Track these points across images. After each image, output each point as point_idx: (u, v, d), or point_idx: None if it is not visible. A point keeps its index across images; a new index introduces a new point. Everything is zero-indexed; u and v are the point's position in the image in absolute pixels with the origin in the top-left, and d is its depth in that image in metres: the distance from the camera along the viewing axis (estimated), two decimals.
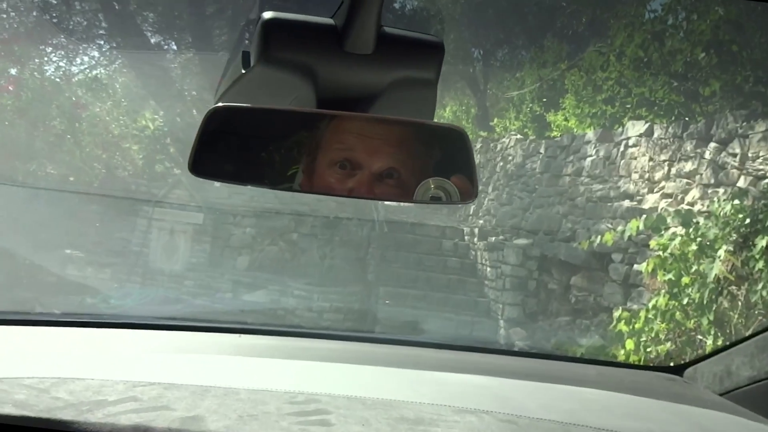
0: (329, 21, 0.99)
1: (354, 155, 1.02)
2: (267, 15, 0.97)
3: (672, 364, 2.17)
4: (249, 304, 8.48)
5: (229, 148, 1.01)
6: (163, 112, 11.21)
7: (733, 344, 1.99)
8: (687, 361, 2.12)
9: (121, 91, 11.85)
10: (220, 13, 11.67)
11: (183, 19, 11.65)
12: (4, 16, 11.17)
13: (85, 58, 12.30)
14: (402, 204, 13.28)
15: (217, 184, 10.26)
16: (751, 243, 5.08)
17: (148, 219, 9.40)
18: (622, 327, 5.43)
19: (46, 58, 11.50)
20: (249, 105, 1.02)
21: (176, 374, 1.52)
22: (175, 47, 13.02)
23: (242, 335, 2.00)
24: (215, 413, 1.29)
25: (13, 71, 10.25)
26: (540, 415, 1.46)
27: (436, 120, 1.09)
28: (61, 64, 11.90)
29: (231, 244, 9.54)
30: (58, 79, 11.23)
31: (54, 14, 11.61)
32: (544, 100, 11.74)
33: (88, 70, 12.03)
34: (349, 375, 1.67)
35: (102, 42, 12.33)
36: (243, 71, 1.05)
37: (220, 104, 1.01)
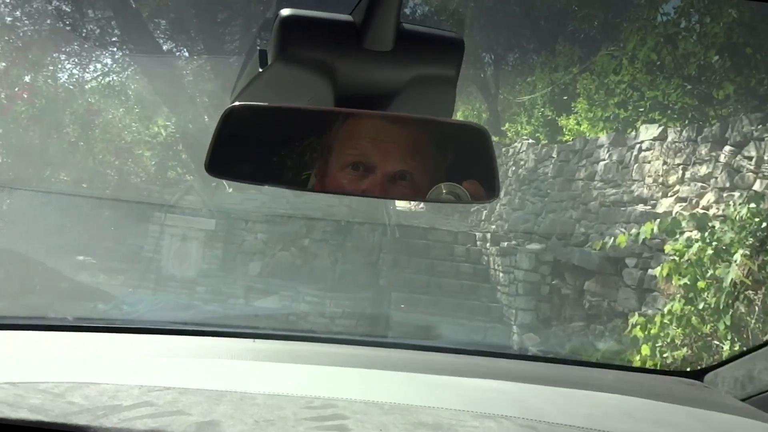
0: (348, 18, 0.97)
1: (367, 158, 1.01)
2: (285, 12, 0.96)
3: (689, 369, 2.14)
4: (261, 310, 8.48)
5: (246, 147, 1.00)
6: (175, 118, 11.26)
7: (754, 348, 1.95)
8: (707, 365, 2.09)
9: (134, 98, 11.93)
10: (232, 19, 11.73)
11: (195, 25, 11.72)
12: (18, 24, 11.28)
13: (98, 65, 12.42)
14: (413, 209, 13.29)
15: (229, 189, 10.32)
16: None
17: (161, 225, 9.42)
18: (638, 332, 5.37)
19: (59, 65, 11.61)
20: (266, 104, 1.00)
21: (191, 379, 1.50)
22: (187, 54, 13.12)
23: (256, 340, 1.99)
24: (231, 418, 1.27)
25: (27, 78, 10.33)
26: (560, 420, 1.44)
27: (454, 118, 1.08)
28: (74, 71, 12.02)
29: (243, 249, 9.55)
30: (71, 86, 11.32)
31: (67, 21, 11.71)
32: (559, 103, 11.71)
33: (101, 77, 12.14)
34: (365, 380, 1.65)
35: (115, 49, 12.44)
36: (260, 70, 1.03)
37: (237, 103, 0.99)
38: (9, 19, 11.15)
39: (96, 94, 11.44)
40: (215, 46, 11.34)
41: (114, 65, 12.48)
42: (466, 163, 1.01)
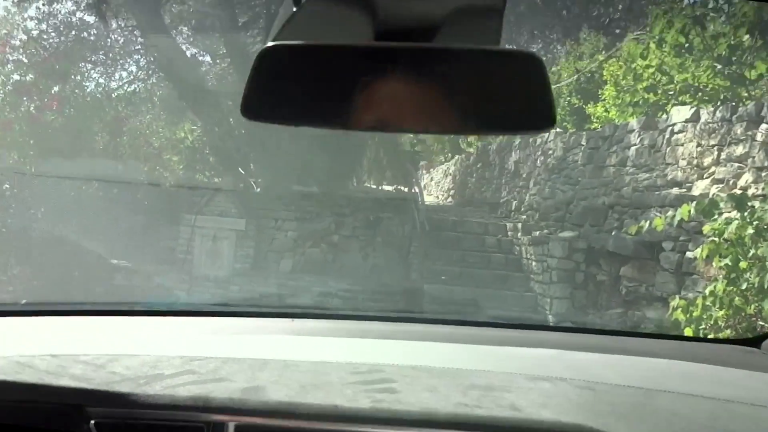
0: None
1: (401, 98, 0.94)
2: None
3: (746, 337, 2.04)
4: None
5: (282, 88, 0.95)
6: (201, 122, 11.36)
7: None
8: (764, 332, 1.99)
9: (160, 104, 12.07)
10: (253, 21, 11.79)
11: (217, 29, 11.80)
12: (45, 36, 11.48)
13: (123, 74, 12.59)
14: (441, 203, 13.18)
15: (257, 189, 10.33)
16: None
17: (191, 227, 9.49)
18: (679, 315, 5.23)
19: (86, 75, 11.80)
20: (302, 42, 0.95)
21: (232, 350, 1.46)
22: (209, 59, 13.25)
23: (295, 319, 1.94)
24: (276, 383, 1.23)
25: (55, 89, 10.50)
26: (618, 383, 1.37)
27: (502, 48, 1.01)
28: (100, 80, 12.21)
29: (273, 248, 9.58)
30: (98, 95, 11.49)
31: (92, 32, 11.89)
32: (585, 91, 11.55)
33: (126, 85, 12.31)
34: (410, 349, 1.59)
35: (139, 56, 12.60)
36: (294, 9, 0.98)
37: (271, 43, 0.94)
38: (35, 32, 11.36)
39: (123, 101, 11.60)
40: (238, 49, 11.41)
41: (139, 72, 12.64)
42: (518, 93, 0.94)
